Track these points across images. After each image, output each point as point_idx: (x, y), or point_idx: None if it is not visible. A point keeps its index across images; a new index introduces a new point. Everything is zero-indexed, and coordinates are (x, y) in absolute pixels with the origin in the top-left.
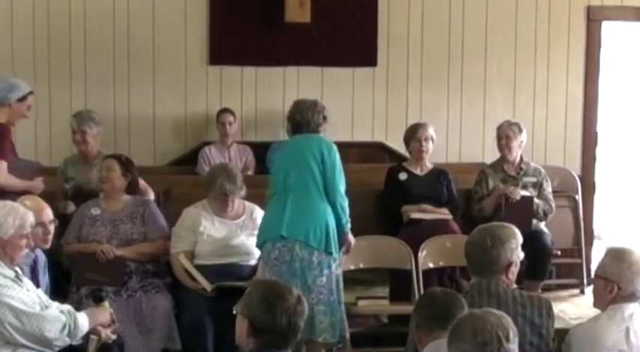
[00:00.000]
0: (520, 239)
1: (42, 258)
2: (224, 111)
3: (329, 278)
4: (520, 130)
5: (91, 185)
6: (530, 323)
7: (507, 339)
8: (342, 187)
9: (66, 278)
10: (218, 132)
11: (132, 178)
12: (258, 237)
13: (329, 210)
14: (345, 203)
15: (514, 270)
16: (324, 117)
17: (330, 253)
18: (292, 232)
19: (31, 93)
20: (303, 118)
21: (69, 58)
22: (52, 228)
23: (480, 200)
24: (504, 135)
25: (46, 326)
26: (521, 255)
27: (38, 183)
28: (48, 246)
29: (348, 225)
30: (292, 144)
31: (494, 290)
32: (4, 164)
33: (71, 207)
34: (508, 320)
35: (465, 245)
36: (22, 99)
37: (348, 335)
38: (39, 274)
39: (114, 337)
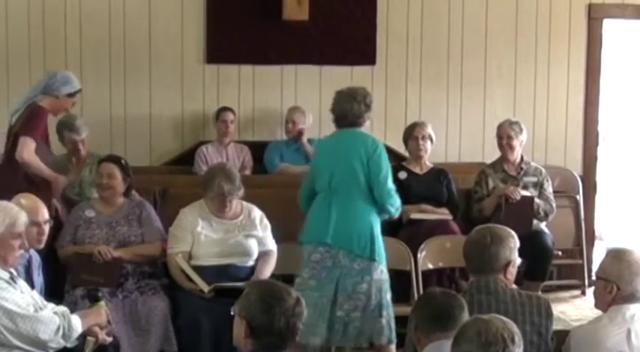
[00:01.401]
0: (517, 241)
1: (36, 259)
2: (224, 109)
3: (369, 284)
4: (521, 130)
5: (75, 189)
6: (530, 322)
7: (512, 341)
8: (390, 186)
9: (62, 279)
10: (217, 130)
11: (130, 181)
12: (303, 234)
13: (373, 213)
14: (393, 200)
15: (512, 271)
16: (367, 106)
17: (374, 259)
18: (337, 240)
19: (80, 91)
20: (342, 111)
21: (64, 56)
22: (46, 228)
23: (480, 200)
24: (505, 134)
25: (40, 328)
26: (518, 260)
27: (61, 179)
28: (42, 246)
29: (399, 210)
30: (335, 142)
31: (493, 288)
32: (33, 143)
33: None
34: (513, 325)
35: (463, 245)
36: (72, 95)
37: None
38: (33, 275)
39: (110, 339)
